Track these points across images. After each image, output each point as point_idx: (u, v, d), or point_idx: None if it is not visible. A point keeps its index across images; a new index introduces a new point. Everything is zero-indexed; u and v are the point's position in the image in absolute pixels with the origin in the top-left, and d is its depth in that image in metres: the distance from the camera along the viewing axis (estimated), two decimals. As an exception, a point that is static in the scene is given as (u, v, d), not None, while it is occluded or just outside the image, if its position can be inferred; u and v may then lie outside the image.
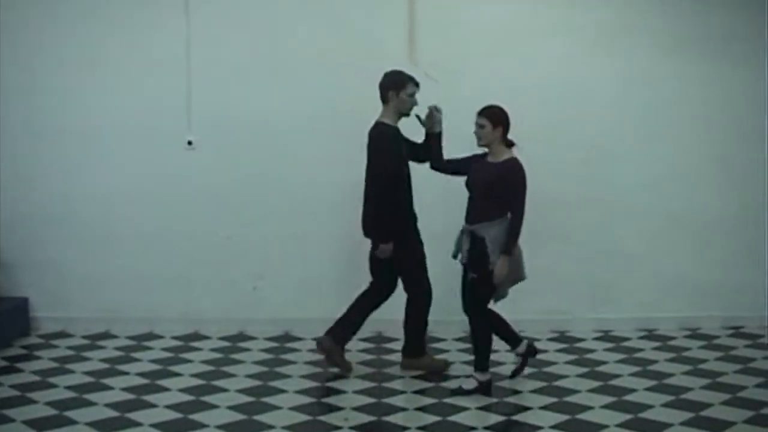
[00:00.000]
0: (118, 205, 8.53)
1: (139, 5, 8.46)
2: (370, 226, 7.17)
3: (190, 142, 8.49)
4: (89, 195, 8.53)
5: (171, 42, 8.46)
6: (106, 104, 8.49)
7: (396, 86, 7.07)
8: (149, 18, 8.48)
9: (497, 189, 6.72)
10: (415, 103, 7.14)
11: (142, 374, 7.20)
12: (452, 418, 6.31)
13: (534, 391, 6.89)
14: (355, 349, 7.88)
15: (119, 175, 8.52)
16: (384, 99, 7.15)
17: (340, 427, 6.12)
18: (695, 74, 8.77)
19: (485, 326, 6.99)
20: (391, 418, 6.30)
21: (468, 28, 8.55)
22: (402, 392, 6.88)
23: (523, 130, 8.23)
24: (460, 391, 6.81)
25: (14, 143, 8.47)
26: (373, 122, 7.17)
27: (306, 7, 8.52)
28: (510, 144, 6.96)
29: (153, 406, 6.44)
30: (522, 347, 7.23)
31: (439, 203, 7.87)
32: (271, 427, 6.06)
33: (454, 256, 7.01)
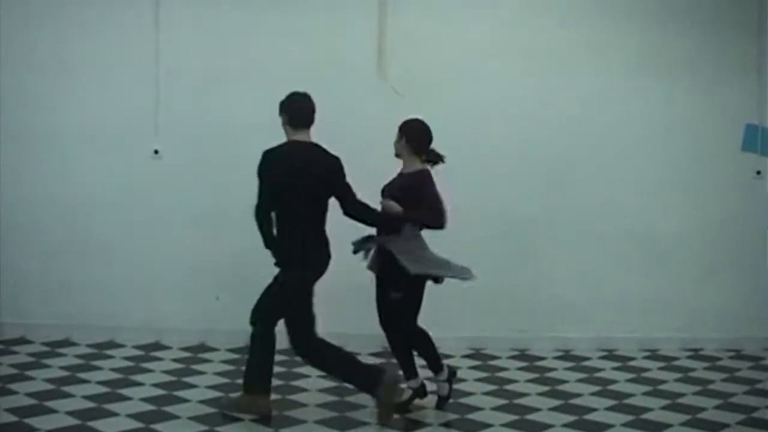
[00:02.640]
0: (80, 212, 8.49)
1: (108, 11, 8.45)
2: None
3: (156, 151, 8.47)
4: (52, 201, 8.48)
5: (140, 49, 8.46)
6: (71, 109, 8.47)
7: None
8: (118, 24, 8.47)
9: (403, 201, 6.59)
10: None
11: (103, 383, 7.16)
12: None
13: (495, 409, 6.91)
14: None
15: (83, 182, 8.49)
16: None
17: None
18: (657, 94, 8.91)
19: (421, 337, 6.85)
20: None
21: (436, 46, 8.63)
22: (366, 407, 6.89)
23: (488, 147, 8.38)
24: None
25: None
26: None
27: (276, 18, 8.53)
28: (430, 159, 6.87)
29: (114, 414, 6.39)
30: (444, 374, 6.90)
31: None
32: (233, 438, 6.06)
33: (370, 268, 6.85)
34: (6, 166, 8.43)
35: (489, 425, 6.51)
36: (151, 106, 8.44)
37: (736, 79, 8.95)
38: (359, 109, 8.37)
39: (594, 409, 6.93)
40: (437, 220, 6.63)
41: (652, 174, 8.96)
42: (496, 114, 8.65)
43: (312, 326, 6.58)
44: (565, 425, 6.54)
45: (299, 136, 6.64)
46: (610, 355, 8.69)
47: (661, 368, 8.29)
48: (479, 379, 7.73)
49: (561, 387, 7.57)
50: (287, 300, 6.56)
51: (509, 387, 7.52)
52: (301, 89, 8.42)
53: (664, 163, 8.98)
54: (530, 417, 6.72)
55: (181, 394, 6.95)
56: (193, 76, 8.48)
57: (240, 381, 7.20)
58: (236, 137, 8.45)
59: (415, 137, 6.81)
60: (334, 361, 6.58)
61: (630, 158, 8.93)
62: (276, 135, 8.36)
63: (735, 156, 8.91)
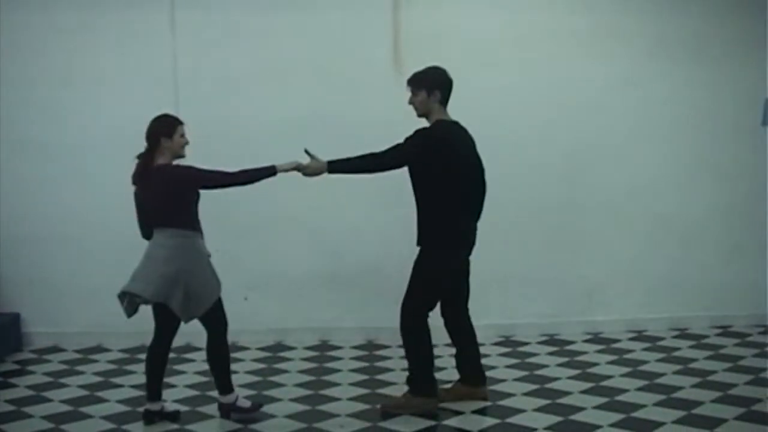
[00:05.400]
0: (107, 220, 8.51)
1: (125, 18, 8.48)
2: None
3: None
4: (78, 210, 8.54)
5: (158, 54, 8.50)
6: (92, 118, 8.51)
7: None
8: (135, 31, 8.51)
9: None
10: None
11: (136, 386, 7.22)
12: (447, 422, 6.36)
13: (527, 394, 6.93)
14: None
15: (107, 190, 8.49)
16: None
17: None
18: (680, 76, 8.89)
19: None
20: (388, 424, 6.35)
21: (452, 37, 8.61)
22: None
23: (510, 135, 8.36)
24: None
25: (1, 159, 8.50)
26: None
27: (292, 17, 8.55)
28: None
29: (149, 417, 6.46)
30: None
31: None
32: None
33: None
34: (31, 177, 8.49)
35: (521, 410, 6.54)
36: (172, 111, 8.46)
37: (751, 57, 8.87)
38: (379, 104, 8.37)
39: (625, 390, 6.96)
40: None
41: (676, 155, 8.97)
42: (516, 101, 8.66)
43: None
44: (597, 407, 6.56)
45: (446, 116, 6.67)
46: (639, 336, 8.70)
47: (691, 347, 8.29)
48: (510, 366, 7.75)
49: (592, 370, 7.59)
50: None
51: (540, 372, 7.55)
52: (319, 86, 8.51)
53: (688, 143, 8.98)
54: (562, 401, 6.74)
55: (214, 394, 6.96)
56: (211, 79, 8.51)
57: (272, 378, 7.29)
58: (257, 137, 8.48)
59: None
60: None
61: (655, 140, 8.93)
62: (296, 134, 8.41)
63: (756, 134, 8.90)
